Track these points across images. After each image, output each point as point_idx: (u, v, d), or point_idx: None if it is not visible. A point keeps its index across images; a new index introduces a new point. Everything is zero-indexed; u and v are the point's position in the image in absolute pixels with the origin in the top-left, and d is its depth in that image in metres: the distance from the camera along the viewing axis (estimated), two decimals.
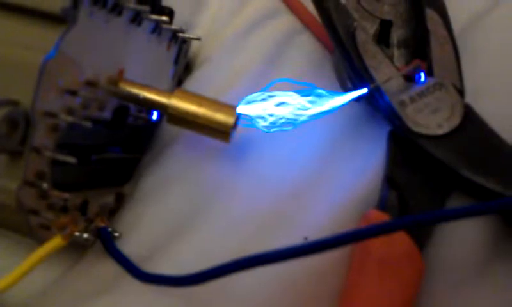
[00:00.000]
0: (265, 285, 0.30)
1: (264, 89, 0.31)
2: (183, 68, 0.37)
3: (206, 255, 0.28)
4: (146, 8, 0.29)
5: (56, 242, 0.27)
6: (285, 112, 0.30)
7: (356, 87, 0.32)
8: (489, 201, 0.27)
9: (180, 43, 0.35)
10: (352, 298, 0.28)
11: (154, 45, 0.33)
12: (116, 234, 0.31)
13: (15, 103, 0.23)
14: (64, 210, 0.28)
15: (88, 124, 0.26)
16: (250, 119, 0.31)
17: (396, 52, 0.33)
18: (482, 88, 0.32)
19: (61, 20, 0.24)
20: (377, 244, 0.28)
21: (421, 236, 0.28)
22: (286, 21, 0.38)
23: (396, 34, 0.34)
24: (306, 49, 0.37)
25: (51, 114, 0.25)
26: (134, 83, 0.30)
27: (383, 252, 0.28)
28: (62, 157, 0.25)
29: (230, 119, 0.29)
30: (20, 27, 0.24)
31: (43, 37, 0.24)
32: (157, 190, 0.34)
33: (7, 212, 0.25)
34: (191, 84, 0.37)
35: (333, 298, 0.29)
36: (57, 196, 0.26)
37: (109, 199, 0.32)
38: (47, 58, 0.23)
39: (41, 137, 0.25)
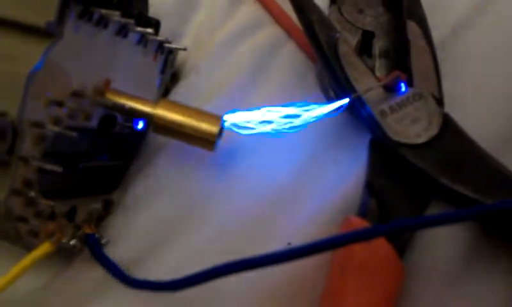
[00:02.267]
0: (248, 291, 0.30)
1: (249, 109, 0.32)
2: (169, 77, 0.38)
3: (193, 261, 0.29)
4: (131, 21, 0.30)
5: (44, 248, 0.28)
6: (270, 125, 0.31)
7: (338, 97, 0.32)
8: (467, 208, 0.28)
9: (166, 53, 0.36)
10: (334, 303, 0.29)
11: (140, 56, 0.33)
12: (104, 240, 0.32)
13: (2, 114, 0.24)
14: (52, 216, 0.28)
15: (74, 134, 0.26)
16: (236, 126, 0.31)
17: (377, 63, 0.34)
18: (461, 98, 0.33)
19: (47, 34, 0.25)
20: (357, 249, 0.28)
21: (401, 242, 0.29)
22: (271, 31, 0.39)
23: (378, 45, 0.35)
24: (290, 59, 0.38)
25: (38, 124, 0.25)
26: (120, 93, 0.31)
27: (363, 257, 0.28)
28: (49, 166, 0.26)
29: (214, 129, 0.30)
30: (7, 40, 0.25)
31: (30, 50, 0.25)
32: (145, 198, 0.34)
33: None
34: (178, 92, 0.38)
35: (315, 303, 0.29)
36: (44, 204, 0.27)
37: (97, 206, 0.33)
38: (34, 70, 0.24)
39: (28, 146, 0.25)
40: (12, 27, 0.25)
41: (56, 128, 0.26)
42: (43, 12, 0.24)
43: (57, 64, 0.26)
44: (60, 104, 0.26)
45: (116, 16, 0.28)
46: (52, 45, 0.25)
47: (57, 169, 0.26)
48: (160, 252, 0.33)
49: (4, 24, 0.25)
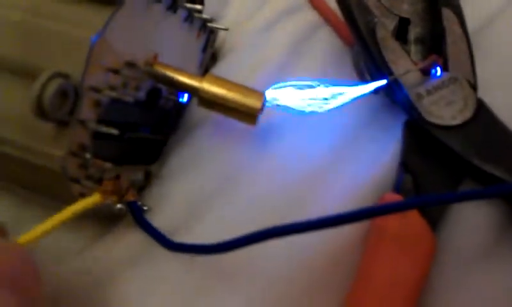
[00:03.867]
0: (286, 260, 0.32)
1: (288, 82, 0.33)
2: (209, 57, 0.39)
3: (228, 231, 0.30)
4: None
5: (94, 198, 0.28)
6: (310, 101, 0.32)
7: (374, 80, 0.34)
8: (496, 185, 0.29)
9: (208, 33, 0.37)
10: (369, 274, 0.30)
11: (185, 33, 0.35)
12: (145, 208, 0.33)
13: (66, 76, 0.25)
14: (99, 181, 0.30)
15: (130, 99, 0.28)
16: (276, 107, 0.32)
17: (413, 48, 0.35)
18: (494, 84, 0.34)
19: (110, 2, 0.26)
20: (392, 223, 0.29)
21: (433, 217, 0.30)
22: (307, 16, 0.41)
23: (413, 32, 0.36)
24: (326, 43, 0.39)
25: (96, 89, 0.27)
26: (167, 66, 0.32)
27: (397, 231, 0.29)
28: (105, 129, 0.27)
29: (257, 103, 0.31)
30: (73, 7, 0.26)
31: (94, 17, 0.26)
32: (183, 169, 0.35)
33: (51, 178, 0.27)
34: (216, 72, 0.38)
35: (350, 275, 0.31)
36: (99, 165, 0.28)
37: (139, 176, 0.34)
38: (97, 37, 0.25)
39: (86, 110, 0.27)
40: None
41: (113, 94, 0.27)
42: None
43: (115, 33, 0.27)
44: (116, 72, 0.28)
45: None
46: (114, 12, 0.26)
47: (114, 131, 0.27)
48: (196, 223, 0.34)
49: None
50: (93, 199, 0.28)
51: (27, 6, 0.27)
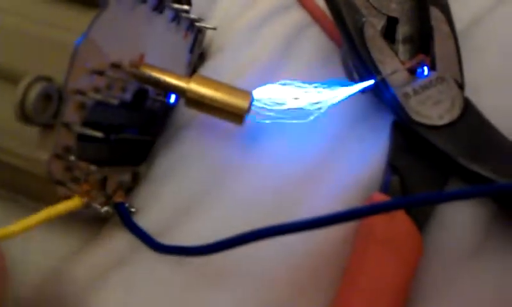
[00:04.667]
0: (274, 261, 0.32)
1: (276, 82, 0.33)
2: (197, 56, 0.39)
3: (217, 232, 0.30)
4: None
5: (75, 202, 0.28)
6: (297, 103, 0.32)
7: (362, 80, 0.33)
8: (483, 185, 0.29)
9: (196, 33, 0.37)
10: (356, 275, 0.30)
11: (172, 33, 0.35)
12: (133, 209, 0.33)
13: (49, 79, 0.25)
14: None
15: (115, 101, 0.28)
16: (263, 107, 0.32)
17: (401, 47, 0.35)
18: (481, 83, 0.34)
19: (93, 4, 0.26)
20: (379, 223, 0.29)
21: (420, 217, 0.30)
22: (296, 15, 0.40)
23: (401, 31, 0.36)
24: (315, 42, 0.39)
25: (80, 92, 0.26)
26: (154, 67, 0.32)
27: (385, 232, 0.29)
28: (89, 132, 0.27)
29: (245, 103, 0.31)
30: (56, 9, 0.26)
31: (77, 19, 0.26)
32: (171, 170, 0.35)
33: (36, 181, 0.27)
34: (204, 72, 0.39)
35: (338, 275, 0.31)
36: (83, 167, 0.28)
37: (126, 177, 0.34)
38: (81, 39, 0.25)
39: (71, 113, 0.26)
40: None
41: (98, 96, 0.27)
42: None
43: (100, 34, 0.27)
44: (101, 74, 0.28)
45: None
46: (98, 14, 0.26)
47: (98, 134, 0.27)
48: (184, 224, 0.34)
49: None
50: (72, 203, 0.28)
51: (9, 9, 0.27)
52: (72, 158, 0.27)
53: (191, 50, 0.38)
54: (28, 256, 0.34)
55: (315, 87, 0.32)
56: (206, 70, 0.39)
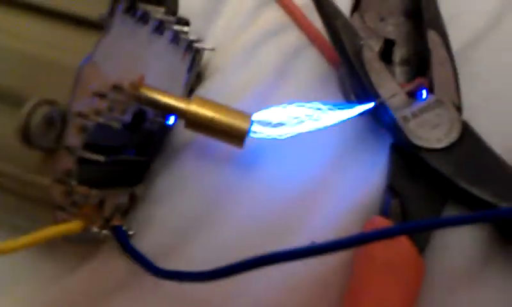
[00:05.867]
0: (273, 287, 0.31)
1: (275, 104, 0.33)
2: (195, 76, 0.39)
3: (215, 257, 0.30)
4: (172, 19, 0.31)
5: (74, 225, 0.28)
6: (296, 124, 0.32)
7: (360, 102, 0.34)
8: (484, 210, 0.29)
9: (194, 53, 0.37)
10: (357, 300, 0.30)
11: (171, 54, 0.34)
12: (131, 232, 0.33)
13: (53, 103, 0.24)
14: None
15: (117, 125, 0.27)
16: (264, 126, 0.32)
17: (398, 69, 0.36)
18: (478, 106, 0.34)
19: (97, 26, 0.26)
20: (380, 248, 0.29)
21: (421, 241, 0.30)
22: (293, 37, 0.40)
23: (398, 53, 0.36)
24: (312, 64, 0.39)
25: (82, 115, 0.26)
26: (153, 89, 0.32)
27: (386, 256, 0.29)
28: (91, 156, 0.27)
29: (245, 125, 0.31)
30: (59, 31, 0.26)
31: (81, 42, 0.25)
32: (169, 192, 0.35)
33: (35, 207, 0.26)
34: (202, 93, 0.38)
35: (338, 300, 0.30)
36: (83, 192, 0.27)
37: (123, 199, 0.34)
38: (84, 62, 0.25)
39: (72, 136, 0.26)
40: (64, 18, 0.25)
41: (100, 119, 0.27)
42: (96, 4, 0.25)
43: (103, 56, 0.26)
44: (103, 96, 0.27)
45: (159, 13, 0.29)
46: (101, 38, 0.25)
47: (101, 158, 0.27)
48: (182, 248, 0.34)
49: (56, 15, 0.26)
50: (71, 226, 0.27)
51: (11, 30, 0.26)
52: (73, 182, 0.27)
53: (189, 70, 0.37)
54: (17, 277, 0.34)
55: (316, 109, 0.32)
56: (203, 90, 0.39)
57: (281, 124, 0.33)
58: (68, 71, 0.25)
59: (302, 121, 0.32)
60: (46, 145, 0.24)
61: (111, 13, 0.26)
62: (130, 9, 0.28)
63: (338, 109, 0.33)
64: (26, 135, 0.23)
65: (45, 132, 0.24)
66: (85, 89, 0.26)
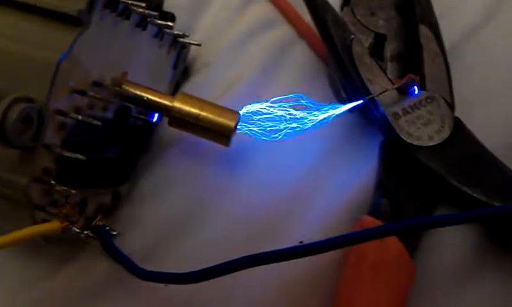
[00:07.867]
0: (263, 285, 0.31)
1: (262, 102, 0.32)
2: (181, 72, 0.38)
3: (201, 257, 0.29)
4: (154, 13, 0.30)
5: (53, 225, 0.27)
6: (284, 122, 0.32)
7: (350, 98, 0.33)
8: (475, 209, 0.29)
9: (179, 48, 0.36)
10: (346, 300, 0.29)
11: (155, 49, 0.34)
12: (114, 233, 0.32)
13: (30, 100, 0.23)
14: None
15: (98, 122, 0.26)
16: (251, 127, 0.32)
17: (389, 65, 0.35)
18: (471, 102, 0.33)
19: (76, 22, 0.25)
20: (371, 248, 0.29)
21: (411, 242, 0.29)
22: (282, 31, 0.40)
23: (389, 48, 0.35)
24: (301, 59, 0.38)
25: (61, 112, 0.25)
26: (137, 85, 0.31)
27: (375, 257, 0.29)
28: (71, 154, 0.26)
29: (231, 123, 0.30)
30: (37, 27, 0.25)
31: (59, 38, 0.25)
32: (155, 191, 0.34)
33: (13, 207, 0.26)
34: (188, 88, 0.38)
35: (328, 300, 0.30)
36: (62, 191, 0.26)
37: (106, 198, 0.33)
38: (62, 58, 0.24)
39: (51, 134, 0.25)
40: (42, 14, 0.25)
41: (80, 116, 0.26)
42: (75, 0, 0.24)
43: (81, 53, 0.26)
44: (82, 93, 0.26)
45: (141, 7, 0.28)
46: (80, 33, 0.25)
47: (80, 157, 0.26)
48: (168, 248, 0.33)
49: (34, 11, 0.25)
50: (50, 226, 0.26)
51: None
52: (52, 181, 0.26)
53: (174, 66, 0.37)
54: None
55: (304, 105, 0.32)
56: (191, 85, 0.38)
57: (268, 120, 0.32)
58: (46, 68, 0.24)
59: (288, 120, 0.32)
60: (23, 143, 0.24)
61: (90, 8, 0.25)
62: (111, 4, 0.27)
63: (328, 107, 0.32)
64: (2, 134, 0.22)
65: (22, 130, 0.23)
66: (64, 85, 0.25)
